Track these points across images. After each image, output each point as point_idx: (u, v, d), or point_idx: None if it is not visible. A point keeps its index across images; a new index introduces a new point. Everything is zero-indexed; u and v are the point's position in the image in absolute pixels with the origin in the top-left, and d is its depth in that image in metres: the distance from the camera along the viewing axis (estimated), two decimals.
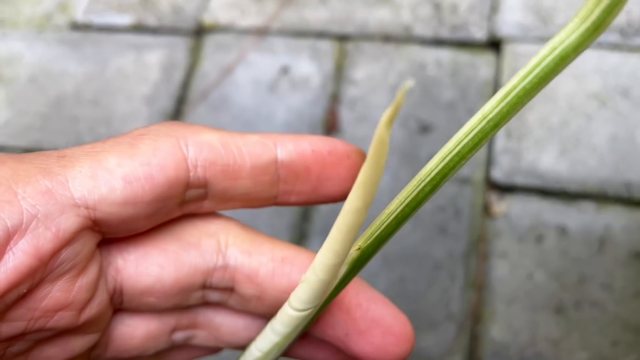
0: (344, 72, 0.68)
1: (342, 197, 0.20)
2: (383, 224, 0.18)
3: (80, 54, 0.74)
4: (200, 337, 0.21)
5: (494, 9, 0.69)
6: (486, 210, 0.59)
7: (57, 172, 0.16)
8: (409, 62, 0.67)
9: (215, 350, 0.22)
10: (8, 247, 0.15)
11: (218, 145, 0.18)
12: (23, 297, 0.16)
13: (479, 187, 0.60)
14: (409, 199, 0.18)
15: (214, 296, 0.20)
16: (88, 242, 0.17)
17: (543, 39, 0.67)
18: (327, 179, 0.19)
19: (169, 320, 0.20)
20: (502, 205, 0.59)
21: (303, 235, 0.60)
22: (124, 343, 0.20)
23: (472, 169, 0.61)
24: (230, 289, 0.19)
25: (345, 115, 0.65)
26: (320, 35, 0.70)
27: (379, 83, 0.66)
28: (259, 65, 0.70)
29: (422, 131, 0.63)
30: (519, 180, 0.60)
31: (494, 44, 0.67)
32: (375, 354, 0.19)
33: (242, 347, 0.21)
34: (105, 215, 0.17)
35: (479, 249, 0.58)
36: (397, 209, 0.18)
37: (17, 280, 0.15)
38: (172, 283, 0.19)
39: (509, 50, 0.66)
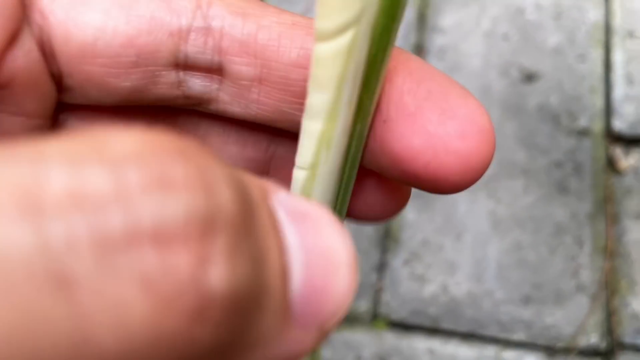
0: (428, 21, 0.60)
1: None
2: None
3: None
4: None
5: None
6: (611, 165, 0.50)
7: None
8: (503, 6, 0.59)
9: None
10: None
11: None
12: None
13: (599, 139, 0.51)
14: None
15: (195, 84, 0.14)
16: None
17: None
18: None
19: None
20: (629, 160, 0.51)
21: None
22: None
23: (590, 119, 0.52)
24: (217, 69, 0.14)
25: (435, 66, 0.57)
26: None
27: (471, 30, 0.58)
28: None
29: (526, 80, 0.55)
30: None
31: None
32: (428, 150, 0.12)
33: None
34: None
35: (607, 209, 0.49)
36: None
37: None
38: (124, 41, 0.13)
39: None
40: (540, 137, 0.52)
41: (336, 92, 0.12)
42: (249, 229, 0.08)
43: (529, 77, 0.55)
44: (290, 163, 0.13)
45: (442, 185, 0.13)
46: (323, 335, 0.10)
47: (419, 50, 0.58)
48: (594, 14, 0.58)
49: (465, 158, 0.12)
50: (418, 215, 0.50)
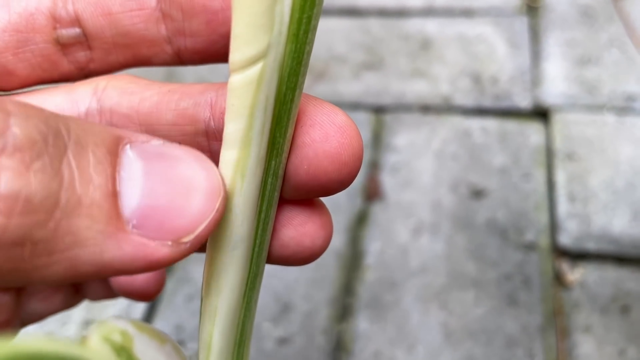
0: (383, 140, 0.63)
1: None
2: None
3: None
4: None
5: (535, 81, 0.67)
6: (558, 279, 0.51)
7: None
8: (452, 130, 0.63)
9: None
10: None
11: None
12: None
13: (546, 253, 0.53)
14: None
15: None
16: None
17: (591, 107, 0.63)
18: (222, 10, 0.15)
19: None
20: (575, 274, 0.52)
21: (346, 310, 0.51)
22: None
23: (536, 234, 0.54)
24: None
25: (389, 182, 0.59)
26: (356, 106, 0.67)
27: (423, 148, 0.62)
28: None
29: (474, 196, 0.57)
30: (591, 246, 0.53)
31: (540, 113, 0.64)
32: (303, 160, 0.14)
33: None
34: None
35: (557, 322, 0.49)
36: None
37: None
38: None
39: (558, 118, 0.63)
40: (490, 251, 0.54)
41: (248, 120, 0.13)
42: (43, 157, 0.11)
43: (477, 194, 0.58)
44: None
45: (328, 185, 0.14)
46: (184, 248, 0.12)
47: (374, 166, 0.61)
48: (536, 139, 0.62)
49: (335, 156, 0.13)
50: (370, 325, 0.50)
